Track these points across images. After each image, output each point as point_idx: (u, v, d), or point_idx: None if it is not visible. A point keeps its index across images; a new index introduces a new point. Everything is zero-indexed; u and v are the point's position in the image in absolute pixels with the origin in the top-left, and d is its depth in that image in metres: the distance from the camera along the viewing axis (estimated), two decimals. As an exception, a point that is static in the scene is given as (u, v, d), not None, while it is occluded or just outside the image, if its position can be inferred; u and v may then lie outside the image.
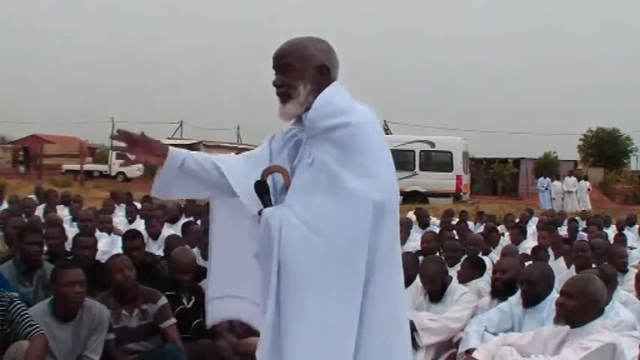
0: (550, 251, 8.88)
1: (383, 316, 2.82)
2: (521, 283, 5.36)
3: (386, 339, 2.84)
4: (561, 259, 8.07)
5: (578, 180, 28.67)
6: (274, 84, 2.97)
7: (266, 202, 2.90)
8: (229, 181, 3.01)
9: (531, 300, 5.24)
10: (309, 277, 2.72)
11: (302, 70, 2.92)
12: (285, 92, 2.94)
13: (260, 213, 2.86)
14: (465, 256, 7.60)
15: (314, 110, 2.88)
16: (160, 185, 3.10)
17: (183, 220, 11.00)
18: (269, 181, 2.97)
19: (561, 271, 7.39)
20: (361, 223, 2.72)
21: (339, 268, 2.71)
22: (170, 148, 3.06)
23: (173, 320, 5.65)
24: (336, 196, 2.72)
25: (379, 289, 2.79)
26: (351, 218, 2.71)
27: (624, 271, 7.48)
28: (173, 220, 11.37)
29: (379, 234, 2.76)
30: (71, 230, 9.28)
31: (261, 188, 2.91)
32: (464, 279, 6.65)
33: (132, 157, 3.07)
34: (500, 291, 5.78)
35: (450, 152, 25.51)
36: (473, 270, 6.84)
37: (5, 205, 12.57)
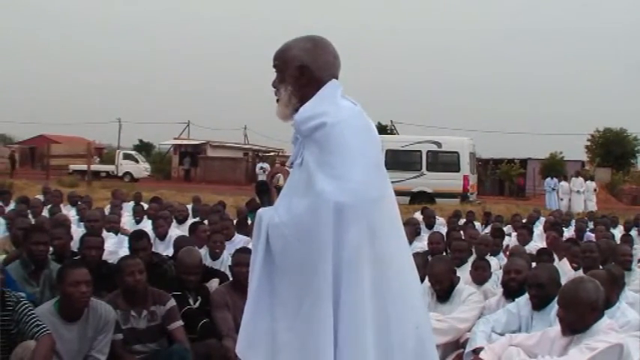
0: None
1: (362, 316, 2.77)
2: (529, 286, 5.33)
3: (375, 338, 2.79)
4: (565, 261, 8.04)
5: (585, 180, 28.60)
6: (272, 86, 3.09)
7: (263, 201, 2.98)
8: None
9: (541, 303, 5.22)
10: (289, 278, 2.80)
11: (284, 72, 2.99)
12: (275, 94, 3.04)
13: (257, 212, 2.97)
14: (474, 257, 7.59)
15: (299, 113, 2.91)
16: None
17: (191, 220, 11.02)
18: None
19: (567, 272, 7.36)
20: (321, 224, 2.72)
21: (303, 268, 2.76)
22: None
23: (181, 322, 5.66)
24: (308, 198, 2.75)
25: (354, 291, 2.76)
26: (313, 219, 2.73)
27: (628, 269, 7.46)
28: (181, 221, 11.39)
29: (343, 236, 2.74)
30: (78, 230, 9.30)
31: (261, 188, 2.99)
32: (477, 280, 6.65)
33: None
34: (514, 291, 5.76)
35: (456, 152, 25.40)
36: (484, 271, 6.83)
37: (13, 206, 12.58)
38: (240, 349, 2.93)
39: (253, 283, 2.88)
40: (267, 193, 3.00)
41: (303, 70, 2.95)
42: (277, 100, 3.03)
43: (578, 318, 4.35)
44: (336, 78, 3.01)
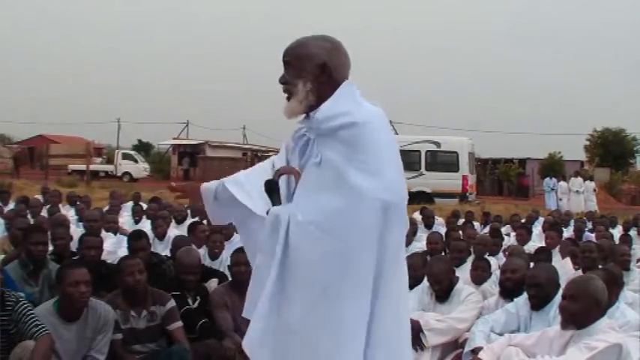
0: (557, 252, 8.88)
1: (391, 314, 2.85)
2: (528, 286, 5.33)
3: (395, 336, 2.88)
4: (568, 260, 8.04)
5: (584, 180, 28.59)
6: (278, 81, 3.02)
7: (274, 200, 2.92)
8: (233, 194, 3.12)
9: (540, 303, 5.23)
10: (319, 276, 2.74)
11: (302, 68, 2.95)
12: (287, 89, 2.99)
13: (267, 211, 2.90)
14: (473, 257, 7.59)
15: (321, 112, 2.89)
16: (211, 215, 3.35)
17: (190, 220, 11.01)
18: (282, 182, 3.00)
19: (568, 272, 7.37)
20: (370, 222, 2.73)
21: (350, 267, 2.73)
22: (202, 185, 3.32)
23: (180, 323, 5.66)
24: (343, 195, 2.72)
25: (389, 288, 2.82)
26: (361, 218, 2.72)
27: (626, 269, 7.46)
28: (180, 221, 11.39)
29: (388, 234, 2.78)
30: (77, 230, 9.30)
31: (271, 187, 2.93)
32: (476, 280, 6.66)
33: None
34: (509, 291, 5.77)
35: (455, 152, 25.45)
36: (484, 271, 6.84)
37: (12, 206, 12.58)
38: (250, 346, 2.89)
39: (270, 280, 2.80)
40: (277, 192, 2.95)
41: (323, 69, 2.94)
42: (288, 97, 2.99)
43: (584, 310, 4.37)
44: (347, 79, 3.01)
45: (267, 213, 2.91)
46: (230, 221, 3.40)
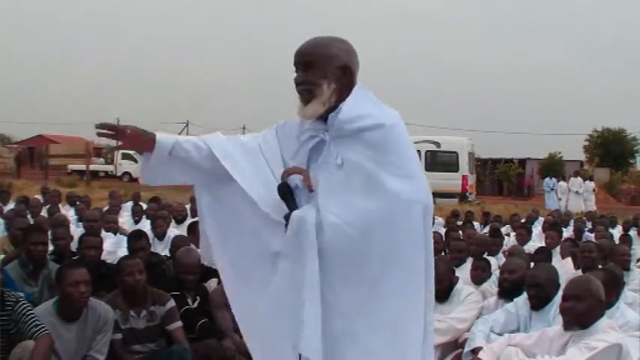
0: (557, 252, 8.88)
1: (432, 318, 2.92)
2: (528, 286, 5.33)
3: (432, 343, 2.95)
4: (568, 260, 8.04)
5: (584, 180, 28.60)
6: (296, 81, 2.93)
7: (291, 204, 2.84)
8: (229, 171, 2.94)
9: (540, 303, 5.23)
10: (368, 280, 2.71)
11: (325, 68, 2.88)
12: (308, 90, 2.89)
13: (286, 217, 2.81)
14: (473, 257, 7.59)
15: (344, 112, 2.84)
16: (148, 172, 3.00)
17: (189, 220, 11.01)
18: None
19: (569, 272, 7.37)
20: (417, 226, 2.75)
21: (400, 271, 2.72)
22: (157, 134, 2.95)
23: (180, 323, 5.66)
24: (378, 198, 2.70)
25: (432, 292, 2.88)
26: (406, 221, 2.72)
27: (626, 269, 7.46)
28: (180, 221, 11.39)
29: (429, 237, 2.81)
30: (77, 230, 9.30)
31: (285, 190, 2.85)
32: (476, 280, 6.66)
33: (119, 143, 3.00)
34: (507, 291, 5.77)
35: (455, 152, 25.45)
36: (484, 271, 6.84)
37: (12, 206, 12.58)
38: (310, 353, 2.70)
39: (309, 284, 2.69)
40: (292, 195, 2.85)
41: (346, 70, 2.91)
42: (305, 97, 2.89)
43: (588, 310, 4.38)
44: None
45: (285, 217, 2.81)
46: (165, 183, 3.08)
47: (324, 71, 2.88)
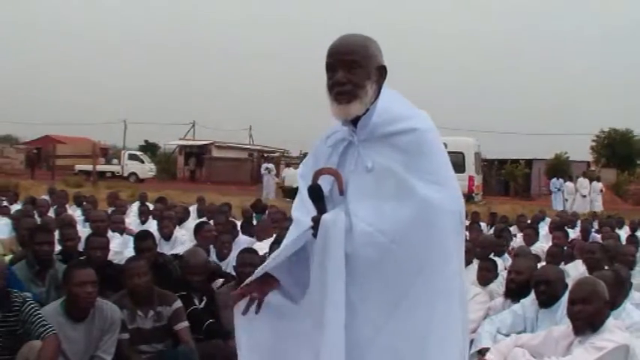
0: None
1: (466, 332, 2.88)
2: (537, 283, 5.32)
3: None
4: (580, 261, 8.01)
5: (591, 181, 28.50)
6: (339, 81, 2.75)
7: (321, 208, 2.75)
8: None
9: (549, 300, 5.22)
10: (399, 289, 2.64)
11: (368, 69, 2.77)
12: (351, 91, 2.74)
13: (315, 219, 2.73)
14: (479, 258, 7.58)
15: (378, 115, 2.75)
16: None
17: (192, 221, 11.02)
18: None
19: (583, 273, 7.33)
20: (446, 233, 2.66)
21: (432, 280, 2.64)
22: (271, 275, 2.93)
23: (186, 323, 5.66)
24: (410, 205, 2.62)
25: (465, 301, 2.84)
26: (437, 229, 2.64)
27: (631, 269, 7.43)
28: (180, 221, 11.36)
29: (460, 244, 2.76)
30: (84, 231, 9.31)
31: (316, 193, 2.76)
32: (483, 281, 6.66)
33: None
34: (514, 292, 5.76)
35: (462, 153, 25.36)
36: (490, 272, 6.83)
37: (19, 206, 12.60)
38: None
39: (335, 293, 2.63)
40: (323, 198, 2.74)
41: (382, 72, 2.82)
42: (346, 98, 2.74)
43: (596, 312, 4.37)
44: None
45: (313, 220, 2.74)
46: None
47: (368, 72, 2.77)
